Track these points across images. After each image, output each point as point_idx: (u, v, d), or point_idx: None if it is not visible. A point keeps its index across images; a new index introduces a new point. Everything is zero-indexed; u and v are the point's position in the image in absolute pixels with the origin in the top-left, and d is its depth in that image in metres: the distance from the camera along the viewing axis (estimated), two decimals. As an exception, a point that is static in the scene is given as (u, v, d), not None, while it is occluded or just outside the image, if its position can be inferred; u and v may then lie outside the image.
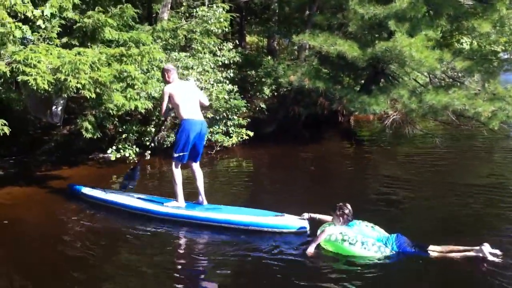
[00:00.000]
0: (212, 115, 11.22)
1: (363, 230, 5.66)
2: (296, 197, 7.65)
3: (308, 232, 6.08)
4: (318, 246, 5.59)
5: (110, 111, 7.84)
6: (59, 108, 7.93)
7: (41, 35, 7.16)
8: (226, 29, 12.22)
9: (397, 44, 10.47)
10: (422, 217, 6.94)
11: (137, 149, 9.95)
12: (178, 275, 5.21)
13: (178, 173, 6.70)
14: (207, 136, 10.93)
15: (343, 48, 11.09)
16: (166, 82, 6.73)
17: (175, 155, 6.62)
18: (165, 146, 10.65)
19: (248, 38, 17.40)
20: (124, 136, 9.98)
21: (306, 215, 6.25)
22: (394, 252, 5.43)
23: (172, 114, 7.14)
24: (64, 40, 7.72)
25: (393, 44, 10.55)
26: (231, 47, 12.13)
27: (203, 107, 6.92)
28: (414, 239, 5.52)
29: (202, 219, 6.41)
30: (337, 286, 4.81)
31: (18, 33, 5.94)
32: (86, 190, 7.55)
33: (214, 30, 11.47)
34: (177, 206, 6.70)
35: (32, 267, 5.30)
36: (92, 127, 7.92)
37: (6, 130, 6.74)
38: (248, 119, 12.02)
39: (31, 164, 9.85)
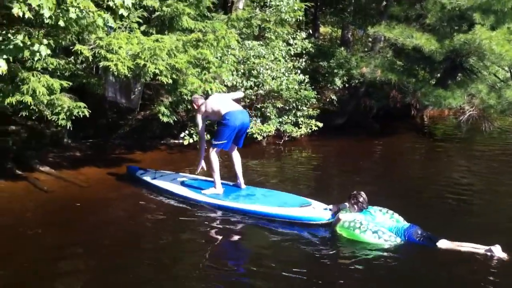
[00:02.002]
0: (281, 105, 11.26)
1: (378, 218, 5.74)
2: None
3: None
4: (333, 231, 5.78)
5: (184, 96, 8.01)
6: (137, 94, 8.21)
7: (122, 24, 7.41)
8: (300, 18, 12.17)
9: (477, 37, 10.08)
10: (490, 218, 6.60)
11: (208, 136, 10.15)
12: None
13: (215, 159, 6.84)
14: (276, 126, 11.01)
15: (420, 42, 10.80)
16: (197, 107, 7.05)
17: (215, 142, 6.83)
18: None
19: (321, 29, 17.23)
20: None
21: (330, 207, 6.28)
22: (403, 242, 5.47)
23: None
24: (143, 28, 7.96)
25: (473, 36, 10.16)
26: (304, 36, 12.08)
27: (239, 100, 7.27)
28: (477, 241, 5.32)
29: (235, 209, 6.53)
30: (344, 272, 4.90)
31: (100, 21, 6.15)
32: (139, 173, 7.83)
33: (287, 19, 11.46)
34: (215, 193, 6.86)
35: (101, 248, 5.49)
36: (168, 111, 8.14)
37: (86, 112, 7.01)
38: (318, 110, 11.95)
39: (107, 147, 10.25)
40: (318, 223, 6.09)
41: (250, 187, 7.23)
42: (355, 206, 5.83)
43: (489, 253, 5.15)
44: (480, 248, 5.22)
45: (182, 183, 7.34)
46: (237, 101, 7.17)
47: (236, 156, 7.15)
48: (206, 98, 7.11)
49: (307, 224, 6.09)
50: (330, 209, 6.22)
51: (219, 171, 6.95)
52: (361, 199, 5.83)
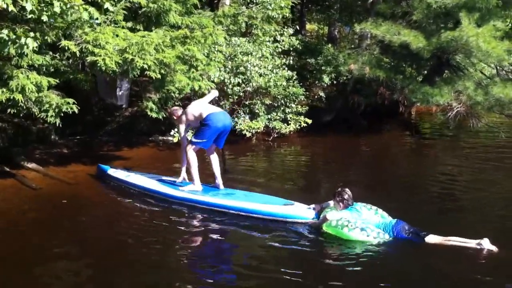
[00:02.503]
0: (270, 102, 11.27)
1: (364, 214, 5.69)
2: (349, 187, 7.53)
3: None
4: (319, 230, 5.70)
5: (172, 94, 7.98)
6: (124, 91, 8.18)
7: (107, 18, 7.36)
8: (287, 15, 12.18)
9: (464, 34, 10.15)
10: (478, 213, 6.67)
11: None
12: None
13: (193, 156, 6.80)
14: (265, 123, 11.03)
15: (408, 38, 10.85)
16: (178, 118, 7.05)
17: (195, 140, 6.79)
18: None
19: (308, 26, 17.26)
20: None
21: (313, 206, 6.21)
22: (391, 238, 5.46)
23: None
24: (129, 24, 7.91)
25: (460, 33, 10.23)
26: (292, 32, 12.10)
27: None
28: (465, 236, 5.37)
29: (215, 206, 6.44)
30: (335, 270, 4.89)
31: (85, 15, 6.11)
32: (111, 172, 7.66)
33: (274, 16, 11.46)
34: (194, 190, 6.81)
35: (89, 247, 5.47)
36: (156, 108, 8.11)
37: (75, 108, 6.97)
38: (307, 107, 11.97)
39: (94, 144, 10.20)
40: (301, 221, 6.01)
41: (229, 189, 7.07)
42: (340, 203, 5.78)
43: (478, 247, 5.19)
44: (468, 242, 5.26)
45: (159, 181, 7.22)
46: (214, 101, 7.13)
47: (214, 157, 7.05)
48: (183, 107, 7.11)
49: (291, 223, 6.00)
50: (313, 208, 6.14)
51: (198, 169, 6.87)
52: (346, 196, 5.78)
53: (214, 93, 7.39)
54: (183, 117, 6.89)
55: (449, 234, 5.39)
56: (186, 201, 6.64)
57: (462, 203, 7.20)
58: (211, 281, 4.65)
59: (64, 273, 4.87)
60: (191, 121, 6.89)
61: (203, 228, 6.08)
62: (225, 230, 6.05)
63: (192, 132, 7.51)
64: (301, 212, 6.12)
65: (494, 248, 5.16)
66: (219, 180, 7.04)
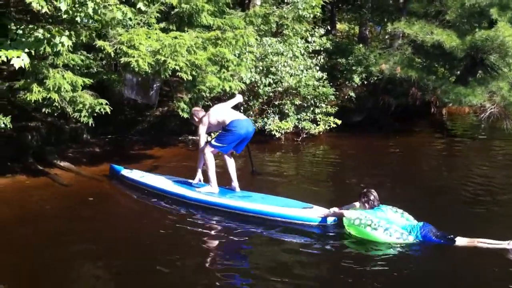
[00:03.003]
0: (299, 102, 11.22)
1: (389, 216, 5.57)
2: (376, 189, 7.39)
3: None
4: (341, 230, 5.63)
5: (203, 93, 8.01)
6: (155, 90, 8.23)
7: (141, 20, 7.43)
8: (318, 15, 12.12)
9: (500, 34, 9.94)
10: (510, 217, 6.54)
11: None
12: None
13: (211, 158, 6.70)
14: (294, 123, 10.99)
15: (441, 38, 10.70)
16: (199, 119, 6.91)
17: (214, 143, 6.68)
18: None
19: (338, 26, 17.14)
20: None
21: (333, 210, 6.01)
22: (417, 241, 5.34)
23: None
24: (162, 25, 7.97)
25: (495, 33, 10.02)
26: (323, 32, 12.03)
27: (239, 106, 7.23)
28: (496, 239, 5.24)
29: (232, 208, 6.35)
30: (355, 270, 4.78)
31: (119, 15, 6.17)
32: (125, 172, 7.61)
33: (305, 16, 11.42)
34: (210, 192, 6.74)
35: (108, 243, 5.51)
36: (187, 108, 8.14)
37: (108, 109, 7.04)
38: (336, 107, 11.90)
39: (125, 143, 10.33)
40: (320, 224, 5.91)
41: (246, 191, 6.96)
42: (366, 204, 5.70)
43: (509, 247, 5.09)
44: (499, 243, 5.15)
45: (175, 182, 7.15)
46: (239, 105, 7.12)
47: (230, 160, 6.96)
48: (206, 110, 7.00)
49: (312, 226, 5.91)
50: (333, 212, 5.96)
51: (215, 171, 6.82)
52: (371, 197, 5.69)
53: (239, 98, 7.31)
54: (205, 119, 6.81)
55: (479, 237, 5.27)
56: (202, 202, 6.58)
57: (493, 206, 6.98)
58: (227, 284, 4.61)
59: (83, 268, 4.96)
60: (212, 125, 6.81)
61: (220, 229, 6.05)
62: (242, 233, 5.89)
63: (213, 134, 7.41)
64: (319, 214, 5.99)
65: None
66: (235, 183, 6.96)
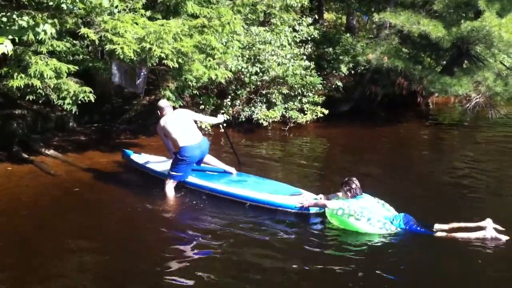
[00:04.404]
0: (287, 91, 11.24)
1: (371, 205, 5.58)
2: (363, 178, 7.38)
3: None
4: (324, 220, 5.67)
5: (190, 82, 8.00)
6: (142, 79, 8.21)
7: (127, 6, 7.38)
8: (305, 4, 12.11)
9: (486, 24, 10.02)
10: (497, 205, 6.65)
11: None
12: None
13: (171, 194, 6.51)
14: (281, 112, 11.02)
15: (427, 28, 10.74)
16: (161, 117, 6.68)
17: (172, 173, 6.50)
18: (240, 119, 10.84)
19: (326, 15, 17.09)
20: (201, 107, 10.19)
21: (320, 197, 6.14)
22: (400, 230, 5.40)
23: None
24: (148, 13, 7.93)
25: (481, 24, 10.10)
26: (310, 22, 12.03)
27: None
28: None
29: (223, 193, 6.44)
30: (339, 260, 4.83)
31: (105, 3, 6.13)
32: (134, 157, 7.68)
33: (293, 5, 11.41)
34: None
35: (104, 233, 5.55)
36: (173, 96, 8.13)
37: (92, 97, 7.03)
38: (324, 97, 11.93)
39: (111, 131, 10.28)
40: (302, 213, 5.94)
41: (244, 174, 7.10)
42: (348, 193, 5.69)
43: (486, 233, 5.23)
44: (475, 228, 5.31)
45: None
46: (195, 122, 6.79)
47: (207, 159, 6.93)
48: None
49: (298, 214, 5.94)
50: (316, 202, 5.99)
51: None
52: (353, 186, 5.68)
53: (219, 119, 7.17)
54: (161, 122, 6.59)
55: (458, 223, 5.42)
56: (202, 188, 6.63)
57: (478, 195, 7.07)
58: (207, 273, 4.63)
59: (69, 258, 4.96)
60: (165, 134, 6.62)
61: (215, 215, 6.07)
62: (226, 218, 5.94)
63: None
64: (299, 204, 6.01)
65: (497, 227, 5.26)
66: (228, 169, 7.03)
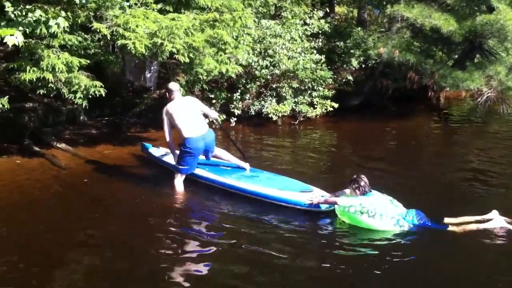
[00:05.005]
0: (297, 85, 11.20)
1: (382, 201, 5.51)
2: (373, 172, 7.31)
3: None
4: (335, 218, 5.60)
5: (200, 76, 7.99)
6: (153, 73, 8.21)
7: (138, 0, 7.38)
8: (317, -2, 12.08)
9: (501, 18, 9.89)
10: (507, 198, 6.62)
11: (224, 116, 10.15)
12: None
13: (180, 189, 6.47)
14: (291, 106, 11.00)
15: (439, 22, 10.62)
16: (168, 100, 6.54)
17: (179, 166, 6.44)
18: (249, 114, 10.83)
19: (337, 9, 17.02)
20: (212, 101, 10.19)
21: (328, 195, 6.01)
22: (412, 226, 5.36)
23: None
24: (159, 6, 7.92)
25: (496, 17, 9.97)
26: (321, 15, 11.97)
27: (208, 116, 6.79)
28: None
29: (232, 187, 6.44)
30: (349, 259, 4.81)
31: (117, -4, 6.15)
32: (152, 150, 7.72)
33: (304, -2, 11.38)
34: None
35: (115, 226, 5.58)
36: (184, 90, 8.12)
37: (102, 91, 7.04)
38: (334, 91, 11.88)
39: (122, 125, 10.29)
40: (316, 210, 5.88)
41: (256, 170, 7.05)
42: (357, 190, 5.56)
43: (495, 224, 5.32)
44: (485, 221, 5.38)
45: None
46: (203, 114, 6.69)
47: (218, 151, 6.89)
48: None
49: (307, 211, 5.88)
50: (326, 199, 5.90)
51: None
52: (362, 183, 5.54)
53: (213, 113, 6.95)
54: (168, 107, 6.42)
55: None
56: (213, 182, 6.63)
57: (490, 191, 7.04)
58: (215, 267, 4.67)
59: (77, 252, 4.99)
60: (170, 120, 6.42)
61: (222, 208, 6.11)
62: (239, 216, 5.91)
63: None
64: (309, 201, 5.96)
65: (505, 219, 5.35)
66: (241, 164, 6.98)
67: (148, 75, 8.05)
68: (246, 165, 6.99)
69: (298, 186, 6.35)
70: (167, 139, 6.54)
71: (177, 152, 6.58)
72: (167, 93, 6.57)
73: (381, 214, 5.38)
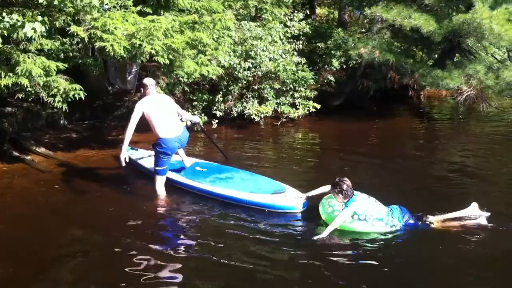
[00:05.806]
0: (279, 86, 11.23)
1: (367, 203, 5.49)
2: (356, 172, 7.42)
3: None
4: (321, 223, 5.57)
5: (181, 78, 7.97)
6: (132, 75, 8.17)
7: (117, 3, 7.34)
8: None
9: (477, 16, 10.00)
10: (493, 197, 6.68)
11: (205, 117, 10.13)
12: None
13: (162, 192, 6.45)
14: (273, 107, 11.01)
15: (419, 22, 10.71)
16: (143, 95, 6.42)
17: (158, 168, 6.36)
18: (232, 115, 10.83)
19: (318, 10, 17.07)
20: (194, 104, 10.17)
21: (305, 195, 6.04)
22: (398, 224, 5.41)
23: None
24: (138, 8, 7.89)
25: (473, 16, 10.08)
26: (302, 17, 12.00)
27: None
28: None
29: (204, 192, 6.44)
30: (336, 262, 4.87)
31: (95, 1, 6.08)
32: (131, 153, 7.46)
33: (284, 0, 11.38)
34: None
35: (97, 230, 5.57)
36: (164, 93, 8.10)
37: (82, 95, 6.99)
38: (315, 92, 11.92)
39: (103, 128, 10.23)
40: (290, 212, 5.89)
41: (232, 169, 7.03)
42: (340, 194, 5.41)
43: (473, 218, 5.48)
44: (464, 217, 5.49)
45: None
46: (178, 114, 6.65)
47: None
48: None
49: (294, 214, 5.90)
50: (307, 197, 5.97)
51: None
52: (344, 187, 5.39)
53: (186, 114, 6.89)
54: (143, 102, 6.24)
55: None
56: (184, 186, 6.66)
57: (471, 187, 7.15)
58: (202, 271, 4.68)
59: (63, 257, 4.97)
60: (145, 117, 6.24)
61: (202, 215, 6.07)
62: (223, 219, 5.88)
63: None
64: (289, 202, 5.99)
65: (485, 213, 5.49)
66: (186, 160, 7.03)
67: (128, 78, 8.00)
68: (189, 163, 7.01)
69: (272, 187, 6.34)
70: (129, 131, 6.17)
71: (129, 149, 6.43)
72: (142, 89, 6.45)
73: (370, 216, 5.38)
